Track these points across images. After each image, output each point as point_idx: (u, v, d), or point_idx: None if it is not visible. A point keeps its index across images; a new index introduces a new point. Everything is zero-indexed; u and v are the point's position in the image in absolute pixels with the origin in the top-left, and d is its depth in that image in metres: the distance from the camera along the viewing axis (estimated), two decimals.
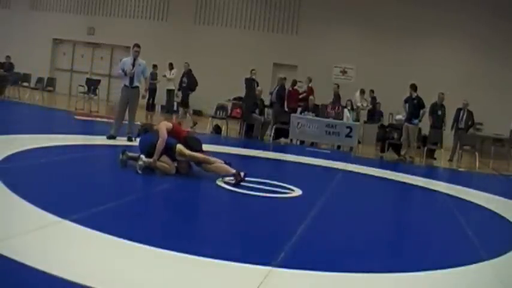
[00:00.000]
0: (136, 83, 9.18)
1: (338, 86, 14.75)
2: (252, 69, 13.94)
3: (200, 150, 6.54)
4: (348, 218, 5.56)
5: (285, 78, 14.14)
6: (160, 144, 6.30)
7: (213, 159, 6.45)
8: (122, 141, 8.69)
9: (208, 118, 13.94)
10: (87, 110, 14.28)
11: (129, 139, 8.80)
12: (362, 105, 15.19)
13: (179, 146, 6.36)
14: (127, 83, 9.09)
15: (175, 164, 6.41)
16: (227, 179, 6.36)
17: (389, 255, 4.30)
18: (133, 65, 9.03)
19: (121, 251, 3.41)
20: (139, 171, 6.17)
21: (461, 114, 13.39)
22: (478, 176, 11.12)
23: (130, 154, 6.48)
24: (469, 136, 13.38)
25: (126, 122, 9.27)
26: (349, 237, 4.69)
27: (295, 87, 14.50)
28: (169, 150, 6.41)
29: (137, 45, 9.24)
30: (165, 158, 6.44)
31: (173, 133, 6.49)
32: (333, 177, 8.50)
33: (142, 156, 6.27)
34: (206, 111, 16.42)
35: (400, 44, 17.09)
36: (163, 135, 6.34)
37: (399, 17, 16.95)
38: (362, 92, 15.37)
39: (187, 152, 6.35)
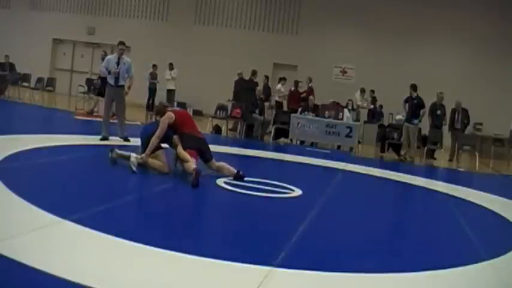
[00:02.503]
0: (121, 82, 8.95)
1: (267, 78, 14.73)
2: (254, 72, 14.06)
3: (195, 149, 6.38)
4: (347, 218, 5.56)
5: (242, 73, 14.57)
6: (155, 138, 6.31)
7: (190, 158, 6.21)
8: (116, 141, 8.64)
9: (208, 118, 13.94)
10: (87, 109, 14.25)
11: (126, 139, 8.75)
12: (362, 104, 15.19)
13: (175, 138, 6.39)
14: (112, 82, 8.88)
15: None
16: (227, 179, 6.36)
17: (389, 255, 4.30)
18: (117, 64, 8.83)
19: (121, 251, 3.41)
20: (134, 169, 6.17)
21: (456, 115, 13.34)
22: (478, 176, 11.12)
23: (120, 152, 6.46)
24: (468, 136, 13.37)
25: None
26: (349, 237, 4.69)
27: (298, 88, 14.53)
28: (168, 140, 6.46)
29: (122, 43, 9.04)
30: (161, 155, 6.42)
31: (175, 125, 6.47)
32: (333, 177, 8.50)
33: (132, 154, 6.30)
34: (206, 111, 16.39)
35: (400, 44, 17.09)
36: (162, 129, 6.36)
37: (399, 17, 16.94)
38: (362, 91, 15.38)
39: (178, 147, 6.31)
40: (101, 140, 8.72)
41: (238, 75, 14.88)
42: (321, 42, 17.83)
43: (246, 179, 6.49)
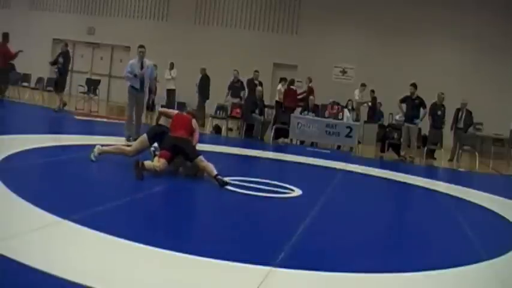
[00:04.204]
0: (146, 87, 9.09)
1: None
2: (255, 71, 14.13)
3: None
4: (347, 218, 5.56)
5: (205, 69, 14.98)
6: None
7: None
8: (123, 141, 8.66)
9: (208, 118, 13.95)
10: (87, 110, 14.27)
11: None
12: (361, 99, 15.09)
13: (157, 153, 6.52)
14: (137, 86, 8.92)
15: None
16: (227, 179, 6.35)
17: (389, 255, 4.30)
18: (141, 67, 8.88)
19: (121, 251, 3.41)
20: (93, 159, 6.47)
21: (460, 114, 13.38)
22: (478, 176, 11.12)
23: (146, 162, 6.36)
24: (469, 136, 13.36)
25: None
26: (349, 237, 4.69)
27: (292, 86, 14.44)
28: (159, 138, 6.58)
29: (142, 46, 9.07)
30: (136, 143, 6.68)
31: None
32: (333, 177, 8.50)
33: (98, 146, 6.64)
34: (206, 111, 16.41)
35: (400, 44, 17.08)
36: (162, 111, 7.15)
37: (399, 17, 16.94)
38: (362, 85, 15.28)
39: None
40: (127, 140, 8.70)
41: (201, 71, 15.19)
42: (321, 42, 17.82)
43: (246, 179, 6.49)
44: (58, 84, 13.49)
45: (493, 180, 10.92)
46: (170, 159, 6.26)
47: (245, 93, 14.38)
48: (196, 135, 6.56)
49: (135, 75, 8.81)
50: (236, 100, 14.08)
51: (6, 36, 13.72)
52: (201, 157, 6.30)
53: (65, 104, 13.31)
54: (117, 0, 20.14)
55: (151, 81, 9.39)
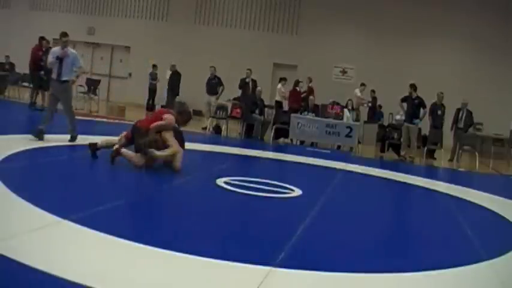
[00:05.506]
0: (65, 77, 8.06)
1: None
2: (247, 69, 14.21)
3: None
4: (348, 217, 5.55)
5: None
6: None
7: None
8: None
9: (208, 118, 13.95)
10: (87, 110, 14.26)
11: (73, 139, 8.10)
12: (362, 96, 15.06)
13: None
14: (54, 76, 8.12)
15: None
16: (227, 179, 6.36)
17: (389, 255, 4.30)
18: (61, 56, 8.05)
19: (121, 251, 3.41)
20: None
21: (460, 114, 13.38)
22: (478, 176, 11.12)
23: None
24: (469, 136, 13.37)
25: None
26: (349, 237, 4.69)
27: (296, 87, 14.48)
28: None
29: (65, 35, 8.22)
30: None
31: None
32: (333, 177, 8.50)
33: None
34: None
35: (400, 43, 17.08)
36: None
37: (399, 17, 16.94)
38: (362, 85, 15.26)
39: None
40: (36, 135, 7.72)
41: (171, 68, 15.57)
42: (321, 42, 17.83)
43: (246, 179, 6.49)
44: (47, 82, 13.22)
45: (493, 180, 10.93)
46: (130, 138, 6.59)
47: (222, 89, 14.43)
48: (158, 123, 6.59)
49: (57, 57, 8.03)
50: (213, 97, 14.14)
51: (42, 39, 13.66)
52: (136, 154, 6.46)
53: (35, 103, 13.06)
54: (117, 0, 20.13)
55: (76, 70, 8.34)
